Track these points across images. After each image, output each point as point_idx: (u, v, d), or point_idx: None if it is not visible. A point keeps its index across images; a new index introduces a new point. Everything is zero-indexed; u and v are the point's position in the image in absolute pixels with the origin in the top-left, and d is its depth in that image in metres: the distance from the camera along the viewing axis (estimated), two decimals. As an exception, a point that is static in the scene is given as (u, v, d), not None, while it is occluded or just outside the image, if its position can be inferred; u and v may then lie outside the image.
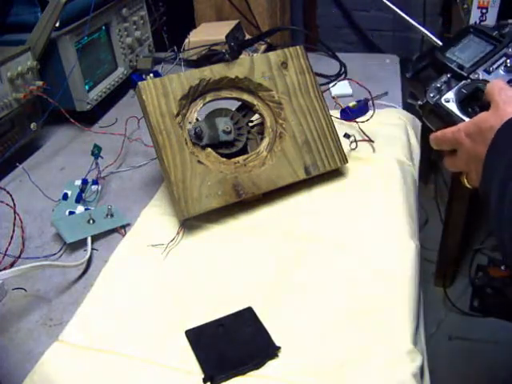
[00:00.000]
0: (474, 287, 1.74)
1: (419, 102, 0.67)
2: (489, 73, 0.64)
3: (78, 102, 1.06)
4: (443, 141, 0.62)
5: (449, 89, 0.65)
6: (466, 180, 0.62)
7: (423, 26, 0.85)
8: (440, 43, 0.72)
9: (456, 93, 0.64)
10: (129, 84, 1.21)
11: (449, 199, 1.68)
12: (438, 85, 0.66)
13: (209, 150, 0.77)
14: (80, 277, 0.70)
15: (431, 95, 0.65)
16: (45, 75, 1.00)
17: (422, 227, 1.84)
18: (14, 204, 0.74)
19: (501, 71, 0.64)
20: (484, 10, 1.31)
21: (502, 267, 1.69)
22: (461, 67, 0.66)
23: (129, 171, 0.93)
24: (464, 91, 0.63)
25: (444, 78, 0.66)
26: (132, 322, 0.62)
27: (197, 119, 0.79)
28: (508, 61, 0.64)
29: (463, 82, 0.64)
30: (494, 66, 0.64)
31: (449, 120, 0.63)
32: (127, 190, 0.88)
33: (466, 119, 0.61)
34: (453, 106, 0.63)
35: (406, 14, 1.02)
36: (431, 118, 0.67)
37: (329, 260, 0.69)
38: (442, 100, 0.64)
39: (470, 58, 0.66)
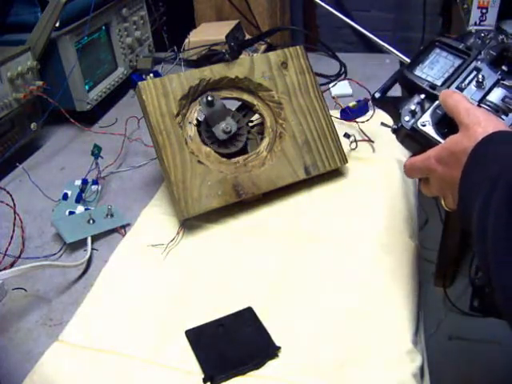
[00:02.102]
0: (474, 287, 1.74)
1: (393, 126, 0.64)
2: (461, 90, 0.62)
3: (78, 102, 1.06)
4: (413, 170, 0.61)
5: (423, 111, 0.62)
6: (443, 203, 0.60)
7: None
8: (408, 60, 0.68)
9: (431, 115, 0.61)
10: (129, 84, 1.21)
11: (449, 199, 1.68)
12: (412, 107, 0.62)
13: (209, 149, 0.77)
14: (80, 277, 0.70)
15: (406, 119, 0.62)
16: (45, 75, 1.00)
17: (422, 227, 1.83)
18: (14, 204, 0.74)
19: (473, 87, 0.61)
20: (484, 10, 1.30)
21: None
22: (433, 87, 0.63)
23: (129, 171, 0.93)
24: (439, 112, 0.61)
25: (417, 99, 0.63)
26: (132, 322, 0.62)
27: (197, 119, 0.79)
28: (480, 76, 0.61)
29: (437, 102, 0.61)
30: (466, 82, 0.62)
31: (426, 143, 0.60)
32: (127, 189, 0.88)
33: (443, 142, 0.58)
34: (430, 130, 0.60)
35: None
36: (407, 141, 0.64)
37: (329, 260, 0.69)
38: (419, 124, 0.61)
39: (440, 75, 0.64)
